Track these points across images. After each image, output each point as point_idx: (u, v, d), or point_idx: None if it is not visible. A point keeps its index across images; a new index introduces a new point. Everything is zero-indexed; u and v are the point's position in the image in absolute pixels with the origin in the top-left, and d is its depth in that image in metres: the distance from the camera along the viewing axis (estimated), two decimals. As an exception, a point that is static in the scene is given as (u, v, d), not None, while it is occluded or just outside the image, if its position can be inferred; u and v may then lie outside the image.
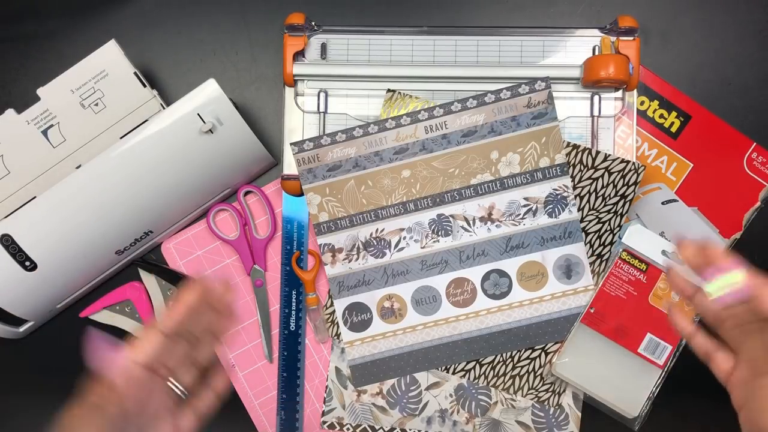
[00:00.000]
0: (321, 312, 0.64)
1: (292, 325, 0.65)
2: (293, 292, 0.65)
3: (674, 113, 0.65)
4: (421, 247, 0.63)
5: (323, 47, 0.64)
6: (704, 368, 0.54)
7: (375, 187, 0.62)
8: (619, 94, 0.63)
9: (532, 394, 0.63)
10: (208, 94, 0.59)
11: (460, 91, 0.63)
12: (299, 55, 0.63)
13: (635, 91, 0.63)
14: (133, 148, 0.58)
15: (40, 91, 0.61)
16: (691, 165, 0.64)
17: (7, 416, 0.66)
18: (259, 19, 0.68)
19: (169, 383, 0.47)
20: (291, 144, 0.62)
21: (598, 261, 0.63)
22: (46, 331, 0.66)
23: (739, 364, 0.46)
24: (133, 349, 0.45)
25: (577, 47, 0.63)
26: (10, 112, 0.61)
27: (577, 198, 0.62)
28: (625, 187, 0.62)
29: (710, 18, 0.66)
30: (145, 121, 0.62)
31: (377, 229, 0.63)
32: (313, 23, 0.64)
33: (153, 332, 0.46)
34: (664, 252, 0.62)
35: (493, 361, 0.63)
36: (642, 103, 0.65)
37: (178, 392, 0.47)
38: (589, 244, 0.63)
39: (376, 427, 0.64)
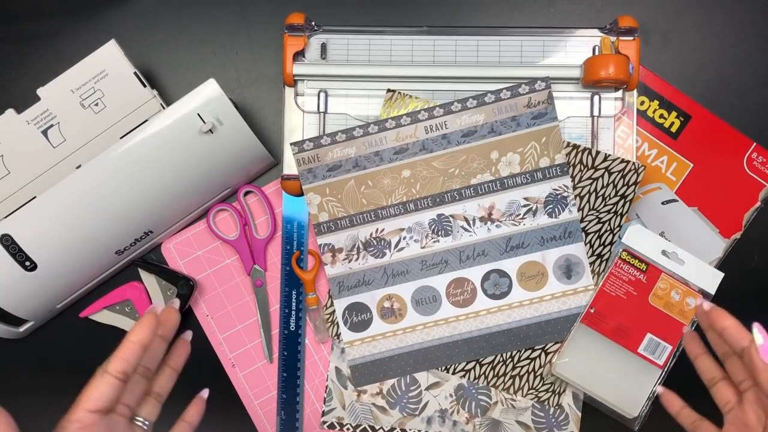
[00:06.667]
0: (321, 312, 0.64)
1: (292, 325, 0.65)
2: (293, 292, 0.65)
3: (674, 113, 0.65)
4: (421, 247, 0.63)
5: (323, 47, 0.64)
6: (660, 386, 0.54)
7: (375, 187, 0.62)
8: (619, 94, 0.63)
9: (532, 394, 0.63)
10: (208, 94, 0.59)
11: (460, 91, 0.63)
12: (299, 55, 0.63)
13: (635, 91, 0.63)
14: (133, 148, 0.58)
15: (40, 91, 0.61)
16: (691, 165, 0.64)
17: (7, 416, 0.66)
18: (259, 19, 0.68)
19: (134, 421, 0.47)
20: (291, 144, 0.62)
21: (598, 261, 0.63)
22: (46, 331, 0.66)
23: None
24: (83, 398, 0.43)
25: (577, 47, 0.63)
26: (10, 112, 0.61)
27: (577, 198, 0.62)
28: (625, 187, 0.62)
29: (710, 18, 0.66)
30: (145, 121, 0.62)
31: (377, 229, 0.63)
32: (313, 23, 0.64)
33: (103, 377, 0.44)
34: (664, 252, 0.62)
35: (493, 361, 0.63)
36: (642, 103, 0.65)
37: (144, 427, 0.48)
38: (589, 244, 0.63)
39: (376, 427, 0.64)
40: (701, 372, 0.51)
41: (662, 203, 0.64)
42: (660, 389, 0.54)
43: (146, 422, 0.48)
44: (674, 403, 0.53)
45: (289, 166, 0.63)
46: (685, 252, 0.62)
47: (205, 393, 0.54)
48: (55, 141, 0.62)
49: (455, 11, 0.67)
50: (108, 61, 0.62)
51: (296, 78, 0.63)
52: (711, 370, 0.51)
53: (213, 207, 0.65)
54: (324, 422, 0.64)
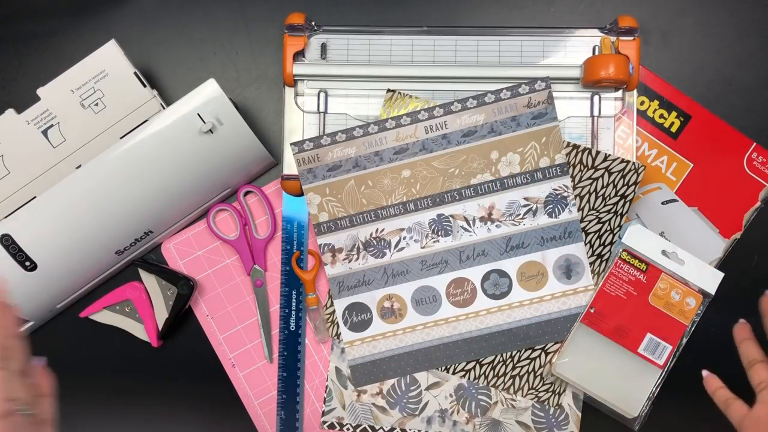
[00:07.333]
0: (321, 312, 0.64)
1: (292, 325, 0.65)
2: (293, 292, 0.65)
3: (674, 113, 0.65)
4: (421, 247, 0.63)
5: (323, 47, 0.64)
6: (704, 368, 0.55)
7: (375, 187, 0.62)
8: (619, 94, 0.63)
9: (532, 394, 0.63)
10: (208, 94, 0.59)
11: (460, 91, 0.63)
12: (299, 55, 0.63)
13: (635, 91, 0.63)
14: (133, 148, 0.58)
15: (40, 91, 0.61)
16: (691, 165, 0.64)
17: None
18: (259, 19, 0.68)
19: (22, 414, 0.44)
20: (291, 144, 0.62)
21: (598, 261, 0.63)
22: (46, 331, 0.66)
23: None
24: None
25: (577, 47, 0.63)
26: (10, 112, 0.61)
27: (577, 198, 0.62)
28: (625, 187, 0.62)
29: (711, 18, 0.66)
30: (145, 121, 0.62)
31: (377, 229, 0.63)
32: (313, 23, 0.64)
33: None
34: (664, 252, 0.62)
35: (493, 361, 0.63)
36: (642, 103, 0.65)
37: (27, 412, 0.44)
38: (589, 244, 0.63)
39: (376, 427, 0.64)
40: (743, 355, 0.53)
41: (662, 203, 0.64)
42: (705, 373, 0.56)
43: (25, 406, 0.44)
44: (712, 384, 0.55)
45: (289, 166, 0.63)
46: (685, 252, 0.62)
47: (41, 360, 0.49)
48: (55, 141, 0.62)
49: (454, 11, 0.67)
50: (108, 61, 0.62)
51: (296, 78, 0.63)
52: (753, 353, 0.53)
53: (213, 207, 0.65)
54: (324, 422, 0.64)
